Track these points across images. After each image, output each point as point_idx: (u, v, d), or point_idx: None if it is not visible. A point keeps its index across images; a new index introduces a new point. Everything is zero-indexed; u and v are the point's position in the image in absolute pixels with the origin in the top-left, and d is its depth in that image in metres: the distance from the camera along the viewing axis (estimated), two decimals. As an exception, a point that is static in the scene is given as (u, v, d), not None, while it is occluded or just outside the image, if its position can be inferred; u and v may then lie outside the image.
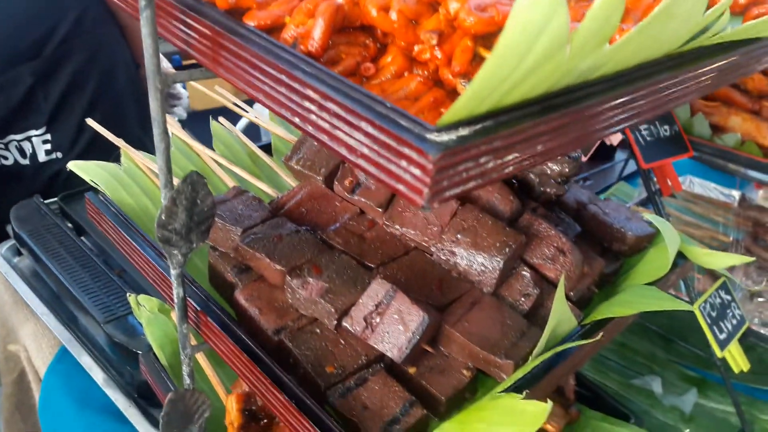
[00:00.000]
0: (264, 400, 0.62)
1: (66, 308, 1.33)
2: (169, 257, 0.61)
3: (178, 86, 2.23)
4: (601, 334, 0.66)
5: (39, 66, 1.68)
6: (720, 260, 0.73)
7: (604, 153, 1.87)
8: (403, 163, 0.38)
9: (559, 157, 0.73)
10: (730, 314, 1.17)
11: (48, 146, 1.78)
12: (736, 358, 1.18)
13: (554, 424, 0.93)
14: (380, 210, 0.73)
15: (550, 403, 0.53)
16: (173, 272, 0.62)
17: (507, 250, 0.67)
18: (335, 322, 0.64)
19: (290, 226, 0.72)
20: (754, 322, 1.23)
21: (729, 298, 1.18)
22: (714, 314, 1.14)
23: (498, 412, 0.56)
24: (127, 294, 1.10)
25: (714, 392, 1.26)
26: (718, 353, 1.13)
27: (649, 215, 0.80)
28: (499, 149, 0.40)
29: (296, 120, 0.44)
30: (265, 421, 0.89)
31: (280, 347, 0.65)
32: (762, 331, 1.23)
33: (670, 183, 1.24)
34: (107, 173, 0.82)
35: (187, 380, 0.70)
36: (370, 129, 0.39)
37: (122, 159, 0.85)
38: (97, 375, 1.20)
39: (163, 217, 0.58)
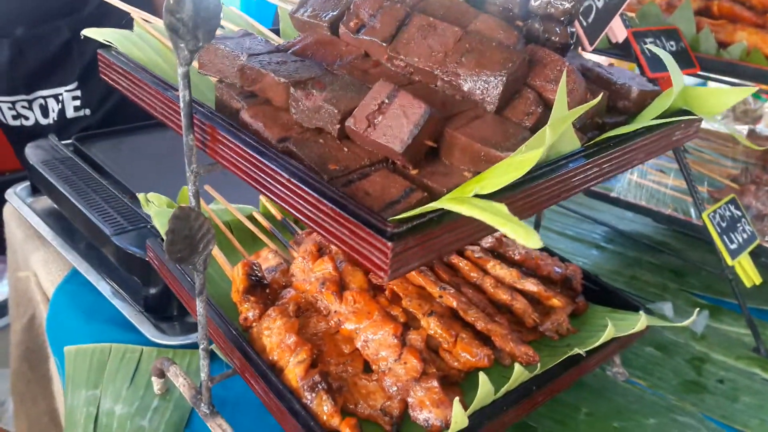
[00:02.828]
0: (270, 193, 0.62)
1: (77, 233, 1.34)
2: (176, 51, 0.62)
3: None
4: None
5: (76, 22, 1.73)
6: (725, 98, 0.73)
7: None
8: None
9: (561, -7, 0.74)
10: (741, 228, 1.16)
11: (77, 102, 1.81)
12: (748, 272, 1.16)
13: (561, 300, 0.92)
14: (385, 45, 0.74)
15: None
16: (180, 71, 0.63)
17: (510, 65, 0.67)
18: (338, 125, 0.65)
19: (295, 58, 0.73)
20: (765, 239, 1.22)
21: (739, 213, 1.17)
22: (724, 225, 1.13)
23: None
24: (137, 193, 1.11)
25: (727, 317, 1.24)
26: (729, 261, 1.11)
27: (652, 47, 0.80)
28: None
29: None
30: (268, 290, 0.89)
31: (284, 155, 0.65)
32: (774, 250, 1.21)
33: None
34: (120, 35, 0.84)
35: (192, 201, 0.70)
36: None
37: (134, 26, 0.88)
38: (105, 288, 1.20)
39: (171, 1, 0.59)
